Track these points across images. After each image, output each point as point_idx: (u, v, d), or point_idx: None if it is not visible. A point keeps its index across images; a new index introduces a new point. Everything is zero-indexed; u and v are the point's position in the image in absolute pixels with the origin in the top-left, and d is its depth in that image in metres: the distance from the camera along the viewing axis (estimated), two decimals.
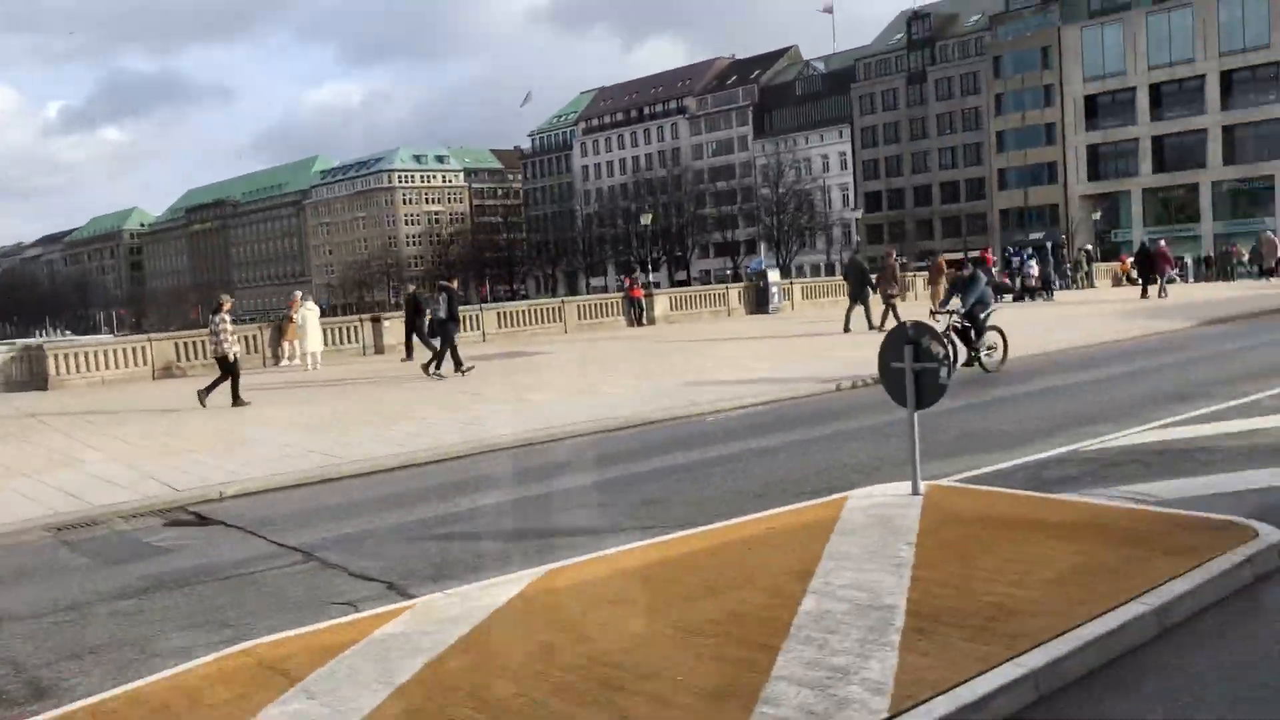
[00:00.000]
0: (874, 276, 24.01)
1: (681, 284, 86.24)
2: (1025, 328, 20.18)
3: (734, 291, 31.80)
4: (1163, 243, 33.74)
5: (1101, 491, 7.06)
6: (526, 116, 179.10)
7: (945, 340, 6.99)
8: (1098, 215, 72.53)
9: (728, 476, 8.70)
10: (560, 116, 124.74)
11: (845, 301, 23.85)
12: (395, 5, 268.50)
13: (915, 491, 6.97)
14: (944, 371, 6.87)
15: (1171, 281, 44.11)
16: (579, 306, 28.46)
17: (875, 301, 22.82)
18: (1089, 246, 49.41)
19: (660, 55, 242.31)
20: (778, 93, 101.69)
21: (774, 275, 32.97)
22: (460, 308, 20.46)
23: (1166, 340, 16.95)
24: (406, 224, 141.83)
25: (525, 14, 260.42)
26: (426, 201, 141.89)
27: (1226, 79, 72.72)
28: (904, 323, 7.15)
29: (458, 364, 17.94)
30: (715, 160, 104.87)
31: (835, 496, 7.19)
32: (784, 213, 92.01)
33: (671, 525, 6.99)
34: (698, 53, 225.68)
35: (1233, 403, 10.23)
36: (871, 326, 21.75)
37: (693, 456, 9.75)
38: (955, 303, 14.39)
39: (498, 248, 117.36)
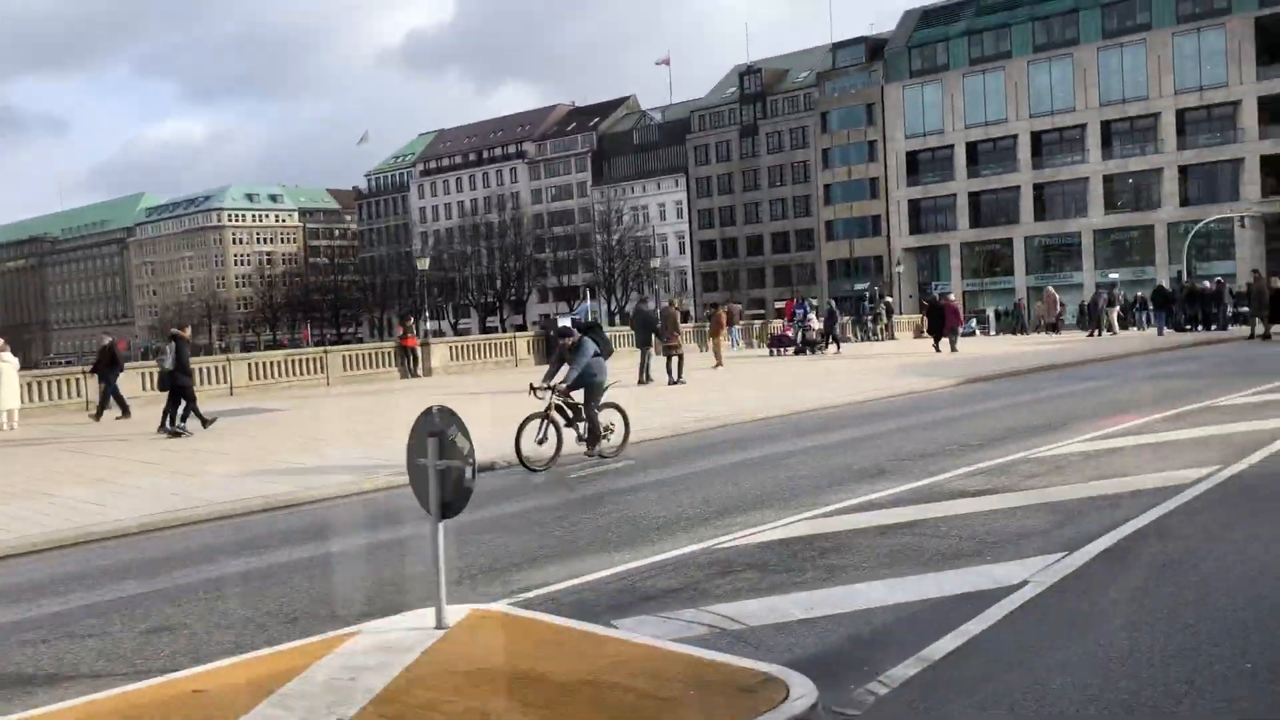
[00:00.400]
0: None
1: (491, 331, 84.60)
2: (775, 385, 19.37)
3: (522, 341, 30.31)
4: (951, 296, 33.94)
5: (681, 615, 5.74)
6: (367, 157, 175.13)
7: (467, 435, 5.53)
8: (900, 268, 74.91)
9: (263, 592, 7.03)
10: (399, 157, 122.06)
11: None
12: (242, 43, 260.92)
13: (440, 624, 5.49)
14: (469, 472, 5.45)
15: (971, 334, 45.10)
16: (345, 357, 26.42)
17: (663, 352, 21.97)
18: (888, 299, 50.10)
19: (513, 100, 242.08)
20: (616, 141, 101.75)
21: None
22: (213, 357, 18.37)
23: (915, 400, 16.23)
24: (236, 264, 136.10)
25: (376, 55, 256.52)
26: (258, 241, 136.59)
27: (1037, 139, 75.97)
28: (430, 409, 5.68)
29: (200, 419, 16.51)
30: (554, 205, 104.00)
31: (345, 631, 5.64)
32: (618, 259, 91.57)
33: (127, 671, 5.33)
34: (549, 99, 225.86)
35: (919, 483, 9.20)
36: (673, 381, 20.73)
37: (253, 563, 8.02)
38: (564, 373, 12.22)
39: (327, 290, 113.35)
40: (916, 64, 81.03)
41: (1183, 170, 70.35)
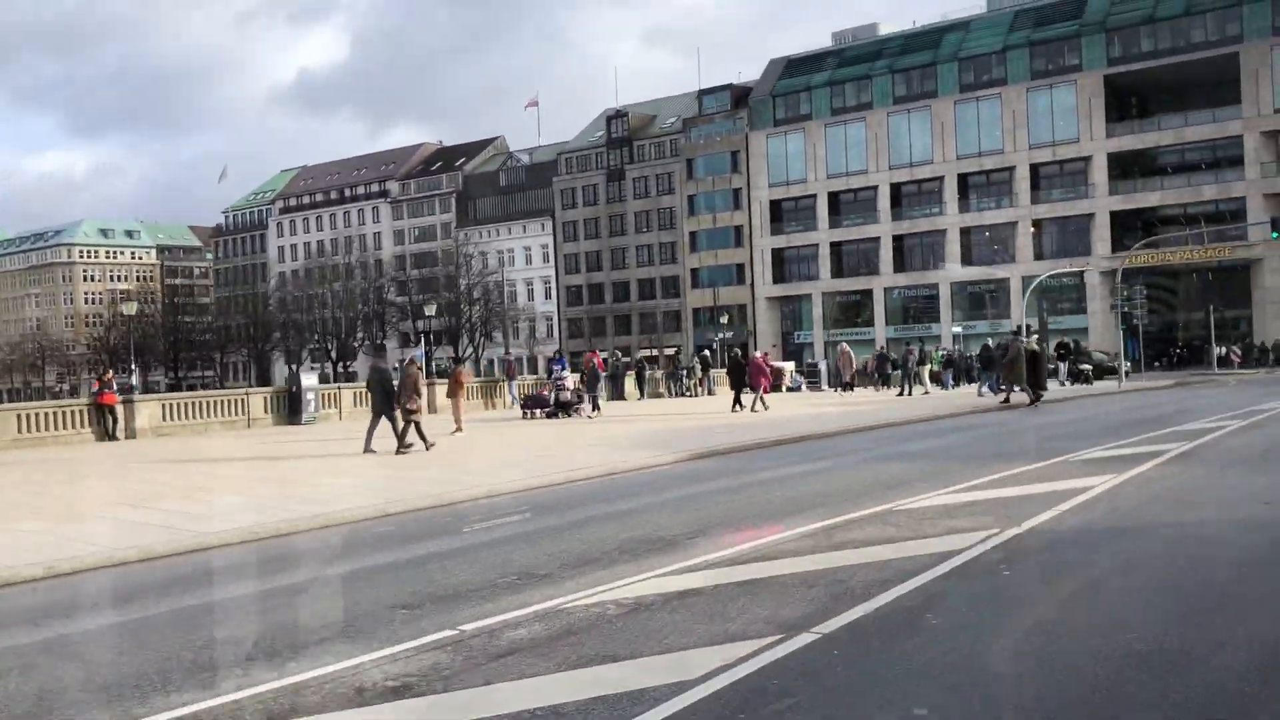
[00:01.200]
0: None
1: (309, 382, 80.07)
2: (472, 460, 16.37)
3: (258, 398, 26.85)
4: (759, 354, 31.63)
5: None
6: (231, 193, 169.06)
7: None
8: (725, 319, 74.26)
9: None
10: (258, 194, 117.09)
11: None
12: (128, 77, 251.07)
13: None
14: None
15: (796, 389, 43.09)
16: (21, 416, 22.56)
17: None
18: (706, 351, 48.00)
19: (403, 141, 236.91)
20: (482, 182, 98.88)
21: (310, 379, 28.55)
22: None
23: (599, 486, 13.38)
24: (87, 302, 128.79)
25: (268, 93, 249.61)
26: (111, 279, 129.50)
27: (896, 190, 75.48)
28: None
29: None
30: (416, 247, 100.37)
31: None
32: (472, 304, 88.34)
33: None
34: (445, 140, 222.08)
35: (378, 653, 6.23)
36: (401, 448, 17.70)
37: None
38: None
39: (177, 331, 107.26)
40: (780, 113, 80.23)
41: (1037, 224, 70.41)
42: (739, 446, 17.07)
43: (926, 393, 25.31)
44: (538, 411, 25.19)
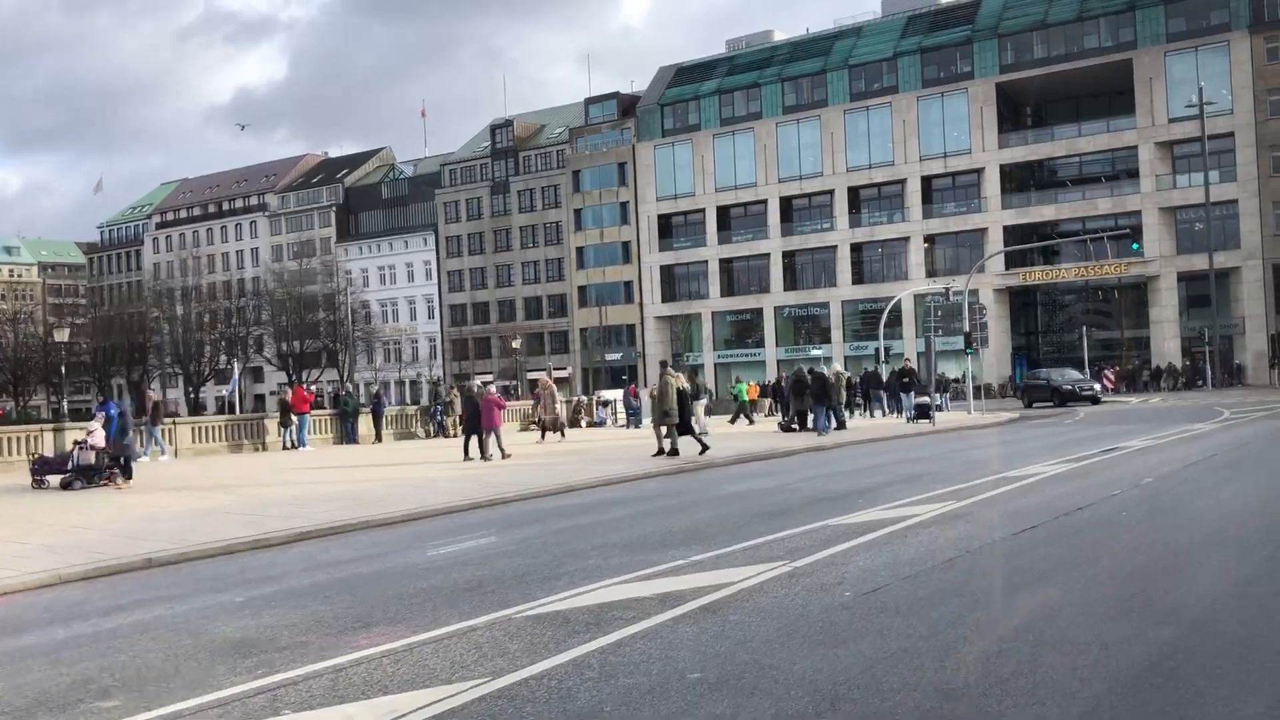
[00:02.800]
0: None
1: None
2: None
3: (48, 435, 21.76)
4: (492, 389, 27.15)
5: None
6: (105, 208, 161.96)
7: None
8: (517, 344, 70.62)
9: None
10: (136, 207, 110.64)
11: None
12: (63, 95, 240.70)
13: None
14: None
15: (601, 424, 38.71)
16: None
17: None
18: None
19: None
20: (363, 194, 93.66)
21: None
22: None
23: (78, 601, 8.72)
24: None
25: (205, 112, 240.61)
26: None
27: (787, 204, 71.70)
28: None
29: None
30: (294, 263, 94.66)
31: None
32: (342, 325, 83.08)
33: None
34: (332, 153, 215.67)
35: None
36: None
37: None
38: None
39: (47, 350, 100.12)
40: (669, 122, 76.21)
41: (929, 239, 66.92)
42: (300, 533, 12.35)
43: (704, 433, 20.80)
44: (50, 480, 18.28)
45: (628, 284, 77.70)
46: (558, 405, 30.90)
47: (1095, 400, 40.96)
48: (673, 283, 76.36)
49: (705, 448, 20.40)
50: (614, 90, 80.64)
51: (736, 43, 79.83)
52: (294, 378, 75.41)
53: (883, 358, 46.07)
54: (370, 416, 32.80)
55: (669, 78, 78.52)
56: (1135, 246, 46.36)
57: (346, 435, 31.52)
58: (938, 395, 37.27)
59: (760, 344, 72.49)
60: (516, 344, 68.41)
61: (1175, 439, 20.16)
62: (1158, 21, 60.09)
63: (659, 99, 76.86)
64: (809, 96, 70.71)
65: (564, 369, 77.39)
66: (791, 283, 71.90)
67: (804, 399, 25.06)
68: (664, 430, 20.45)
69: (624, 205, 77.60)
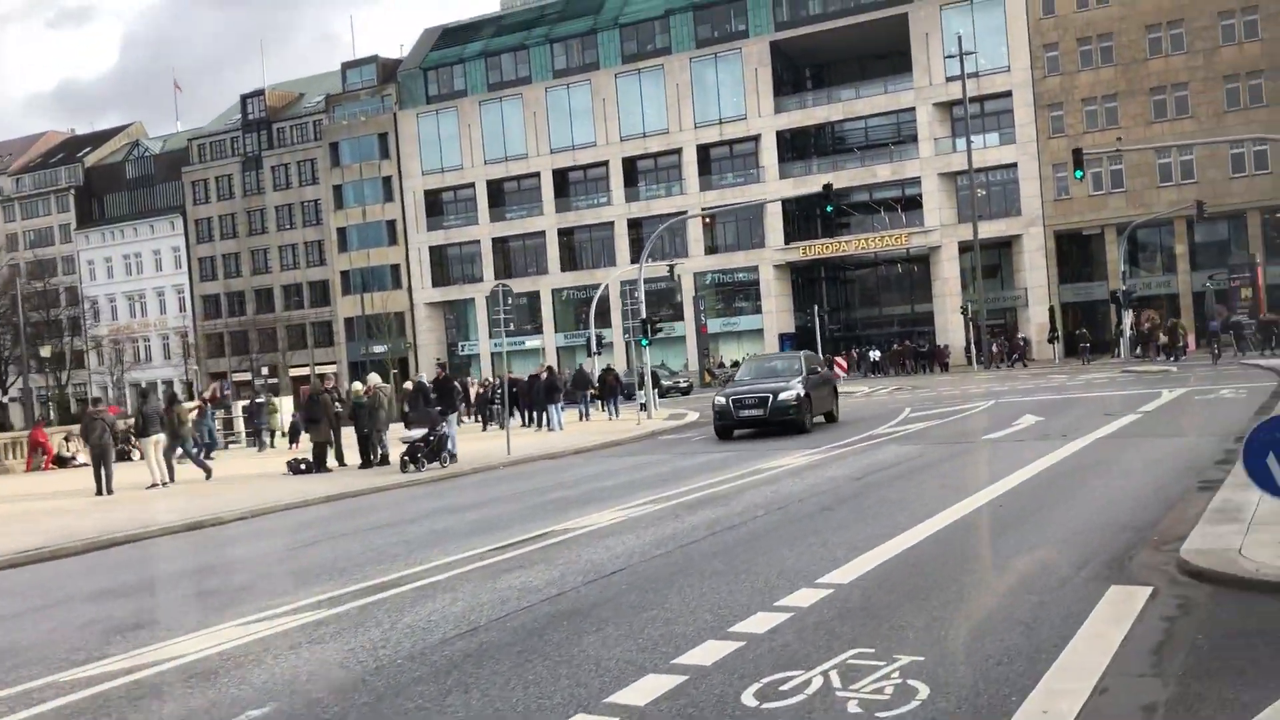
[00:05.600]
0: None
1: None
2: None
3: None
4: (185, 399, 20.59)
5: None
6: None
7: None
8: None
9: None
10: None
11: None
12: None
13: None
14: None
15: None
16: None
17: None
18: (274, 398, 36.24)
19: None
20: (107, 175, 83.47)
21: None
22: None
23: None
24: None
25: (28, 100, 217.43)
26: None
27: (561, 177, 65.83)
28: None
29: None
30: (31, 253, 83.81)
31: None
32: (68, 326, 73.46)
33: None
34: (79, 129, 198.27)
35: None
36: None
37: None
38: None
39: None
40: (433, 89, 69.24)
41: (710, 217, 61.91)
42: None
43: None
44: None
45: (394, 267, 70.55)
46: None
47: (686, 391, 41.23)
48: (444, 265, 69.67)
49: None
50: (373, 54, 72.94)
51: (512, 2, 73.34)
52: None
53: (594, 348, 40.01)
54: None
55: (433, 40, 71.47)
56: (1079, 174, 35.92)
57: None
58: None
59: (540, 330, 66.53)
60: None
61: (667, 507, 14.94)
62: None
63: (421, 63, 69.77)
64: (579, 59, 64.87)
65: (330, 364, 69.89)
66: (570, 263, 66.13)
67: (421, 412, 18.91)
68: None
69: (387, 180, 70.32)
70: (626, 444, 21.71)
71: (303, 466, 20.21)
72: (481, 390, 34.40)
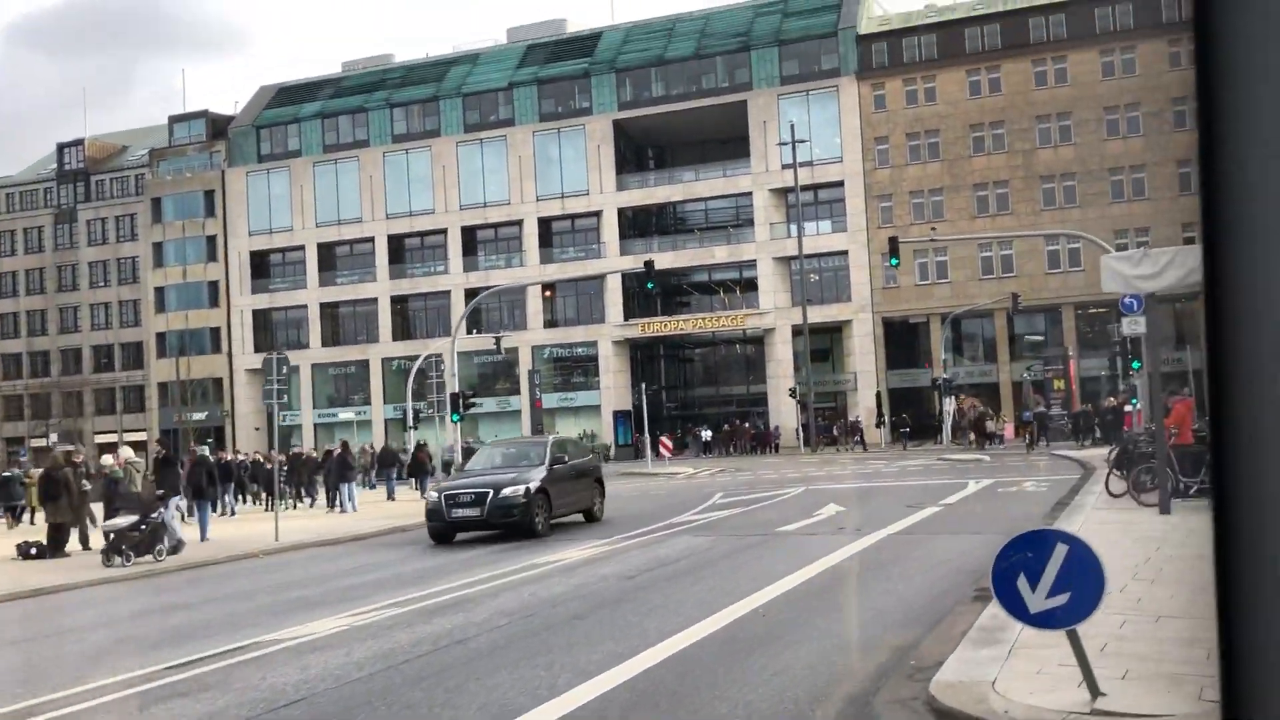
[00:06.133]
0: None
1: None
2: None
3: None
4: None
5: None
6: None
7: None
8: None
9: None
10: None
11: None
12: None
13: None
14: None
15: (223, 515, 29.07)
16: None
17: None
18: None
19: None
20: None
21: None
22: None
23: None
24: None
25: None
26: None
27: (397, 244, 63.99)
28: None
29: None
30: None
31: None
32: None
33: None
34: None
35: None
36: None
37: None
38: None
39: None
40: (265, 147, 66.70)
41: (550, 288, 61.07)
42: None
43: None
44: None
45: (215, 330, 66.87)
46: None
47: None
48: (269, 329, 66.42)
49: None
50: (204, 109, 69.97)
51: (354, 65, 71.66)
52: None
53: (409, 422, 37.88)
54: None
55: (269, 98, 69.09)
56: (894, 262, 36.31)
57: None
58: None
59: (367, 401, 63.87)
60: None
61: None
62: (772, 64, 57.62)
63: (254, 120, 67.21)
64: (420, 125, 63.58)
65: (141, 431, 65.41)
66: (403, 332, 63.94)
67: (128, 496, 16.82)
68: None
69: (211, 239, 66.98)
70: (415, 529, 20.00)
71: (34, 551, 17.79)
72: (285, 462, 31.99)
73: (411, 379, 37.81)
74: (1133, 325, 28.58)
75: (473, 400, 33.39)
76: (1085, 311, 51.36)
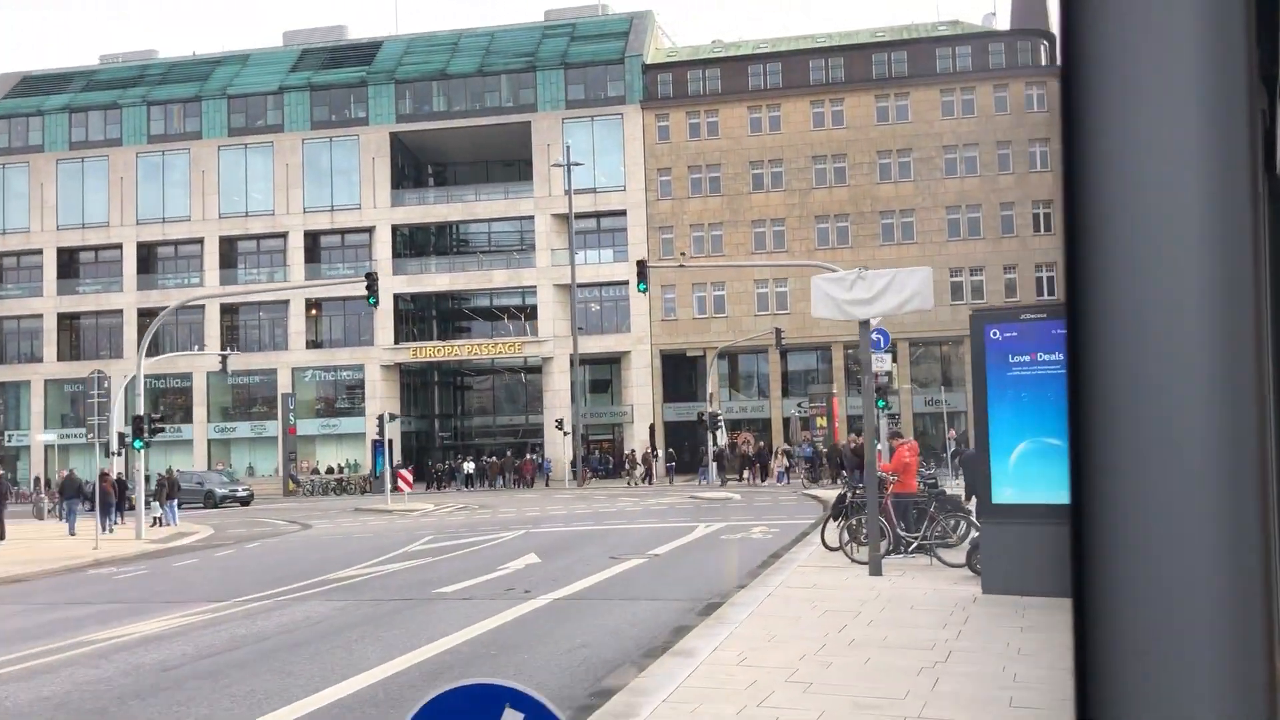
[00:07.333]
0: None
1: None
2: None
3: None
4: None
5: None
6: None
7: None
8: None
9: None
10: None
11: None
12: None
13: None
14: None
15: None
16: None
17: None
18: None
19: None
20: None
21: None
22: None
23: None
24: None
25: None
26: None
27: (149, 252, 58.92)
28: None
29: None
30: None
31: None
32: None
33: None
34: None
35: None
36: None
37: None
38: None
39: None
40: (3, 141, 60.34)
41: (314, 305, 57.42)
42: None
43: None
44: None
45: None
46: None
47: (246, 501, 41.65)
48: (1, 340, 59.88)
49: None
50: None
51: (112, 59, 66.03)
52: None
53: (113, 447, 33.27)
54: None
55: (10, 86, 62.71)
56: (642, 287, 34.38)
57: None
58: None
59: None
60: None
61: None
62: (557, 86, 56.15)
63: None
64: (180, 126, 58.86)
65: None
66: (155, 346, 58.51)
67: None
68: None
69: None
70: (40, 578, 16.83)
71: None
72: None
73: (120, 396, 33.75)
74: (879, 363, 27.96)
75: (159, 425, 29.90)
76: (855, 350, 51.82)
